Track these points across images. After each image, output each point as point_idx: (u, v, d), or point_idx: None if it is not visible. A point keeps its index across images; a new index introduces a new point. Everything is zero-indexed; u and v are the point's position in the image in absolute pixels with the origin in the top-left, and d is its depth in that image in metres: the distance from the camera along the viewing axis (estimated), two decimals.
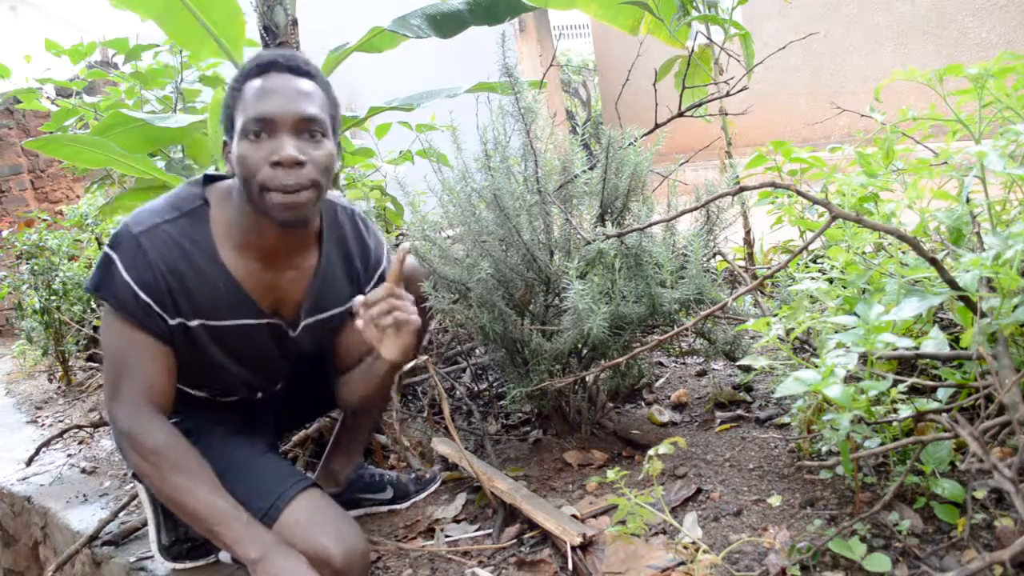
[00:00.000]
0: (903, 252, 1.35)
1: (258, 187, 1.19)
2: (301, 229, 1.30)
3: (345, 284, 1.43)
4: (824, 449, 1.33)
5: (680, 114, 2.12)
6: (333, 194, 1.43)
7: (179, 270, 1.24)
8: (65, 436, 2.75)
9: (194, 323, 1.28)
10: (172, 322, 1.26)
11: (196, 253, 1.26)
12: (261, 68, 1.23)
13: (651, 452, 1.23)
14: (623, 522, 1.21)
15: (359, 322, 1.25)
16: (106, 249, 1.24)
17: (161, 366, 1.27)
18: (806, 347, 1.62)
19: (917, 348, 1.16)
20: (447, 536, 1.48)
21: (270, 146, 1.18)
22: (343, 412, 1.68)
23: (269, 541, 1.18)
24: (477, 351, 2.16)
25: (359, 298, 1.26)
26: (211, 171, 1.40)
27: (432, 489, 1.68)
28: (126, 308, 1.23)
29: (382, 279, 1.46)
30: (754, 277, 2.17)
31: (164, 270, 1.23)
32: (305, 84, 1.23)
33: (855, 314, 1.08)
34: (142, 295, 1.23)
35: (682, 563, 1.17)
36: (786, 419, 1.55)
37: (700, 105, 2.17)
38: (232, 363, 1.37)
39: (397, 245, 2.35)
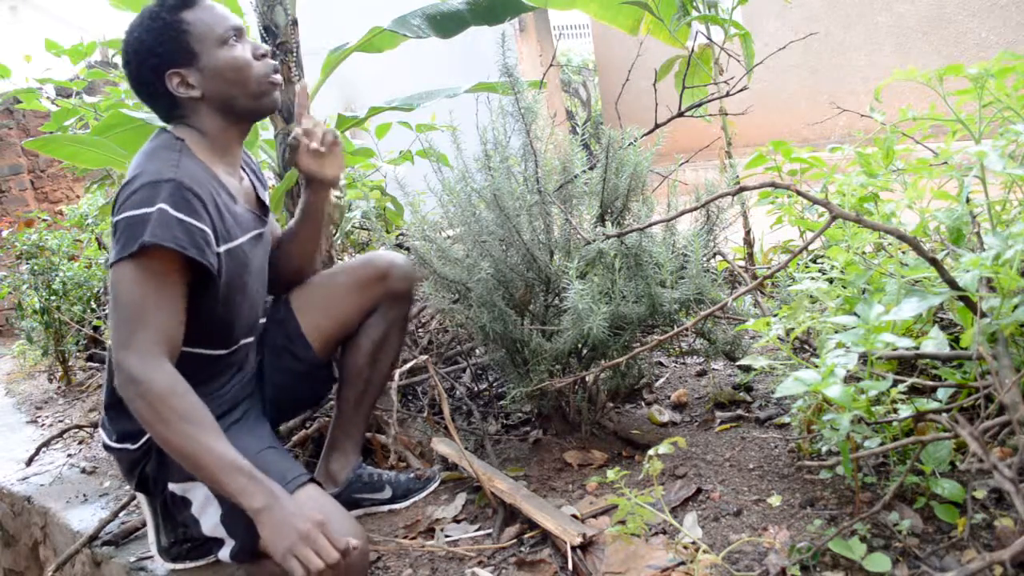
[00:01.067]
0: (903, 252, 1.35)
1: (256, 79, 1.37)
2: (275, 110, 1.48)
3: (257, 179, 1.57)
4: (824, 449, 1.33)
5: (680, 114, 2.12)
6: None
7: (212, 197, 1.31)
8: (65, 436, 2.75)
9: (230, 245, 1.34)
10: (219, 248, 1.30)
11: (210, 182, 1.34)
12: (188, 1, 1.36)
13: (651, 452, 1.23)
14: (623, 522, 1.21)
15: (305, 159, 1.47)
16: (160, 206, 1.22)
17: (179, 315, 1.27)
18: (806, 347, 1.62)
19: (917, 348, 1.16)
20: (447, 536, 1.48)
21: (248, 46, 1.38)
22: (337, 401, 1.68)
23: (275, 491, 1.17)
24: (477, 351, 2.16)
25: (298, 130, 1.47)
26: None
27: (431, 489, 1.68)
28: (193, 245, 1.23)
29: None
30: (754, 277, 2.17)
31: (205, 199, 1.29)
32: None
33: (855, 314, 1.08)
34: (202, 226, 1.26)
35: (682, 563, 1.17)
36: (786, 419, 1.55)
37: (700, 105, 2.17)
38: (251, 281, 1.43)
39: (398, 245, 2.36)
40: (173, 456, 1.22)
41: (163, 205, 1.22)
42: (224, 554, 1.32)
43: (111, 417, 1.42)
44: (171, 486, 1.38)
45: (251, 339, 1.51)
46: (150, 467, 1.39)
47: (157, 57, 1.33)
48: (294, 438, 1.91)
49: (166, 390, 1.19)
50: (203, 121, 1.38)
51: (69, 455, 2.58)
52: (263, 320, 1.60)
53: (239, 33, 1.37)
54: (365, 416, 1.70)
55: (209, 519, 1.32)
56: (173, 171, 1.26)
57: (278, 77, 1.41)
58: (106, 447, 1.44)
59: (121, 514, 1.88)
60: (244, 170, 1.50)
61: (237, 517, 1.26)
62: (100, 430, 1.46)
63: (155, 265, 1.22)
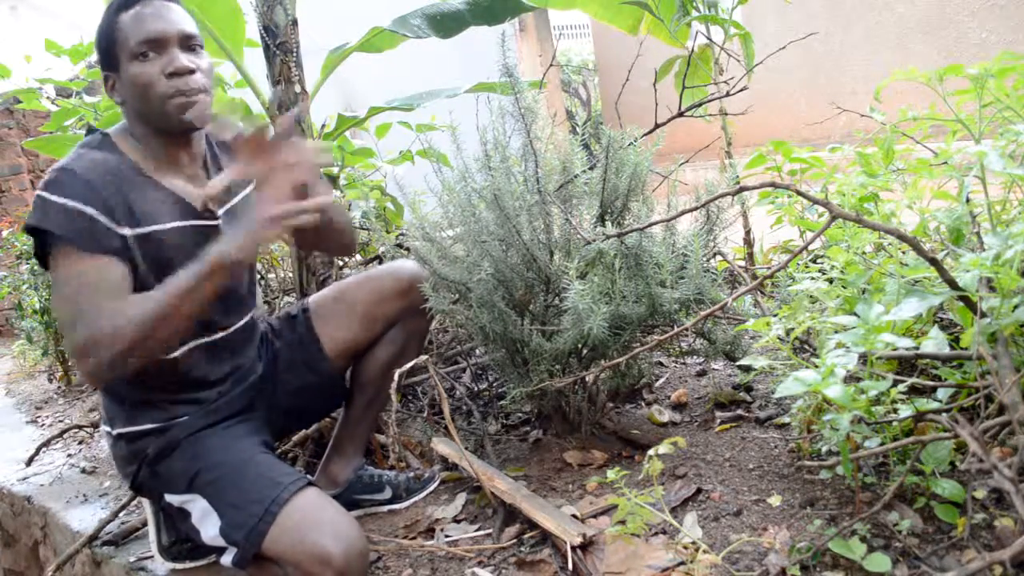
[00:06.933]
0: (903, 252, 1.35)
1: (159, 98, 1.30)
2: (199, 130, 1.38)
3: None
4: (824, 449, 1.33)
5: (680, 114, 2.12)
6: None
7: (113, 182, 1.29)
8: (65, 436, 2.75)
9: (145, 230, 1.30)
10: (123, 232, 1.27)
11: (120, 168, 1.32)
12: (129, 2, 1.32)
13: (651, 452, 1.23)
14: (623, 522, 1.21)
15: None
16: (37, 193, 1.25)
17: (119, 280, 1.25)
18: (806, 347, 1.62)
19: (917, 348, 1.16)
20: (447, 536, 1.48)
21: (162, 61, 1.30)
22: (346, 407, 1.68)
23: (226, 234, 1.23)
24: (477, 351, 2.16)
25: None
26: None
27: (431, 489, 1.68)
28: (73, 230, 1.22)
29: None
30: (754, 277, 2.17)
31: (99, 183, 1.27)
32: (176, 7, 1.36)
33: (855, 314, 1.08)
34: (87, 209, 1.24)
35: (682, 563, 1.17)
36: (786, 419, 1.55)
37: (700, 105, 2.17)
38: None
39: (398, 245, 2.36)
40: (177, 323, 1.20)
41: (43, 192, 1.25)
42: (226, 560, 1.32)
43: (104, 403, 1.45)
44: (168, 497, 1.37)
45: (204, 341, 1.43)
46: (143, 475, 1.40)
47: (98, 56, 1.36)
48: (294, 438, 1.91)
49: (114, 317, 1.18)
50: (132, 124, 1.38)
51: (69, 455, 2.59)
52: (269, 323, 1.61)
53: (157, 45, 1.30)
54: (371, 422, 1.70)
55: (208, 530, 1.32)
56: (68, 161, 1.29)
57: (193, 98, 1.31)
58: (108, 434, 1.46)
59: (121, 514, 1.88)
60: (209, 170, 1.45)
61: (236, 527, 1.26)
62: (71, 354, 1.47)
63: (69, 253, 1.23)
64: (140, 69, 1.30)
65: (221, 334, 1.45)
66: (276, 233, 1.20)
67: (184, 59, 1.31)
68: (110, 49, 1.33)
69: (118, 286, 1.24)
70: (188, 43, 1.33)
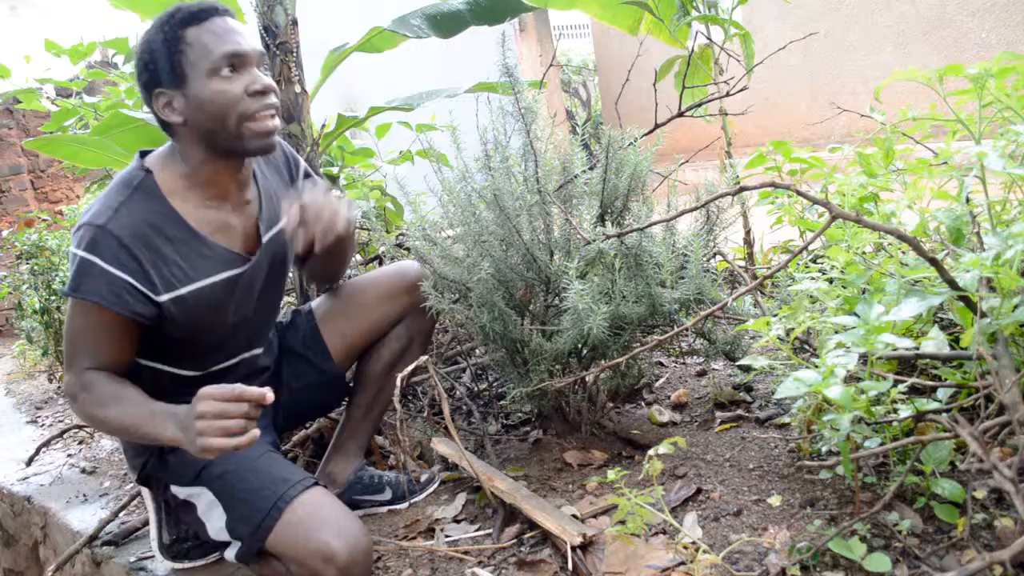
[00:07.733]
0: (903, 252, 1.35)
1: (237, 118, 1.25)
2: (269, 152, 1.34)
3: (284, 191, 1.49)
4: (824, 449, 1.33)
5: (680, 114, 2.12)
6: None
7: (154, 245, 1.27)
8: (65, 436, 2.75)
9: (181, 292, 1.30)
10: (160, 298, 1.27)
11: (161, 223, 1.28)
12: (198, 16, 1.25)
13: (651, 452, 1.23)
14: (623, 522, 1.21)
15: (304, 244, 1.32)
16: (79, 253, 1.23)
17: (115, 345, 1.29)
18: (806, 347, 1.62)
19: (917, 348, 1.16)
20: (447, 536, 1.48)
21: (244, 80, 1.26)
22: (348, 406, 1.68)
23: (180, 412, 1.16)
24: (477, 351, 2.16)
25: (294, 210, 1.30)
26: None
27: (431, 489, 1.68)
28: (108, 292, 1.23)
29: (306, 175, 1.55)
30: (754, 277, 2.17)
31: (141, 248, 1.25)
32: (244, 26, 1.31)
33: (855, 314, 1.08)
34: (125, 276, 1.24)
35: (682, 563, 1.17)
36: (786, 419, 1.55)
37: (700, 105, 2.17)
38: (231, 314, 1.39)
39: (398, 245, 2.36)
40: (120, 437, 1.32)
41: (88, 255, 1.23)
42: (230, 555, 1.32)
43: None
44: (174, 488, 1.38)
45: (237, 359, 1.48)
46: (151, 465, 1.40)
47: (149, 72, 1.27)
48: (294, 438, 1.91)
49: (90, 388, 1.26)
50: (185, 148, 1.30)
51: (69, 455, 2.59)
52: (278, 329, 1.63)
53: (239, 62, 1.25)
54: (373, 422, 1.70)
55: (214, 523, 1.32)
56: (107, 216, 1.24)
57: (273, 121, 1.28)
58: None
59: (121, 514, 1.88)
60: (258, 192, 1.42)
61: (242, 521, 1.27)
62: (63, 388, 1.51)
63: (88, 308, 1.25)
64: (221, 86, 1.23)
65: (243, 356, 1.49)
66: (204, 455, 1.13)
67: (266, 78, 1.27)
68: (172, 64, 1.24)
69: (111, 351, 1.28)
70: (262, 62, 1.30)
